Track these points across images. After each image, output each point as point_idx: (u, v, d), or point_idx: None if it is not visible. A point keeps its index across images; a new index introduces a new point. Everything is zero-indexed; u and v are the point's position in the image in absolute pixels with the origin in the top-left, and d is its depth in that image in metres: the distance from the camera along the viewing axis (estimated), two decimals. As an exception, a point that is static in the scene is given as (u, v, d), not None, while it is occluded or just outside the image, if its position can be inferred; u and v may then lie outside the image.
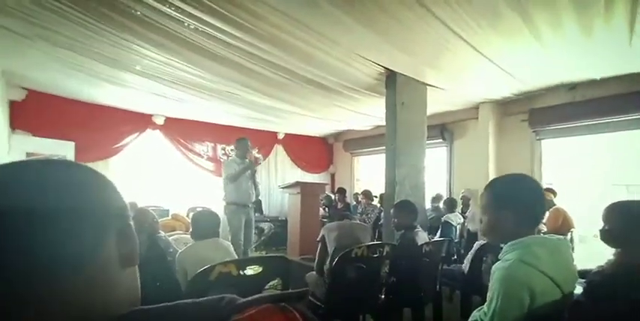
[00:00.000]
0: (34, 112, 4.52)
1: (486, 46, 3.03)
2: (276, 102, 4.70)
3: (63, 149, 4.59)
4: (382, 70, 3.63)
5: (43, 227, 0.33)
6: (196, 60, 3.32)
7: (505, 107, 4.92)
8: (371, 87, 4.09)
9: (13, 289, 0.32)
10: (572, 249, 3.06)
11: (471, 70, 3.62)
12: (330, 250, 2.21)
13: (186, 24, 2.60)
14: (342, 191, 6.32)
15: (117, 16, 2.51)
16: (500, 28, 2.69)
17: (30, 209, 0.32)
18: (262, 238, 5.79)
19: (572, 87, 4.18)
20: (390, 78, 3.75)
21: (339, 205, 6.20)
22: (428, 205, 5.04)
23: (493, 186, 1.23)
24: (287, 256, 1.94)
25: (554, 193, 3.82)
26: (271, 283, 1.77)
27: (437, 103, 4.61)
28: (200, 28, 2.66)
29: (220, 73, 3.65)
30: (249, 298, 0.40)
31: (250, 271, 1.61)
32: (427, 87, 4.01)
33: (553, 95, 4.35)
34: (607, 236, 1.69)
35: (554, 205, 3.72)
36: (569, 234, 3.43)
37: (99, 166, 5.15)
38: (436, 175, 5.69)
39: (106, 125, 5.21)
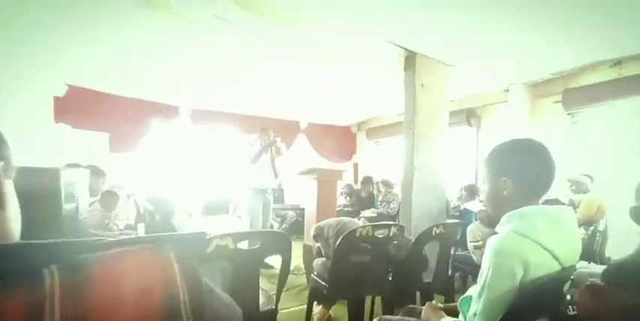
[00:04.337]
0: (74, 106, 4.78)
1: (520, 19, 2.78)
2: (297, 87, 4.70)
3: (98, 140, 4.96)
4: (401, 51, 3.49)
5: None
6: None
7: (537, 89, 4.58)
8: (389, 69, 3.95)
9: None
10: (606, 238, 2.83)
11: (501, 47, 3.38)
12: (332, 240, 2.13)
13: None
14: (366, 180, 6.20)
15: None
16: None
17: None
18: (284, 226, 5.86)
19: (617, 63, 3.80)
20: (409, 59, 3.60)
21: (363, 194, 6.14)
22: (455, 193, 4.84)
23: (492, 151, 1.15)
24: (296, 238, 1.93)
25: (590, 178, 3.52)
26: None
27: (462, 86, 4.37)
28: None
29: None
30: (125, 238, 0.42)
31: (247, 245, 1.62)
32: (449, 68, 3.81)
33: (592, 73, 3.99)
34: (637, 214, 1.53)
35: (589, 190, 3.43)
36: (603, 222, 3.13)
37: (130, 156, 5.47)
38: (462, 160, 5.43)
39: (136, 117, 5.47)
